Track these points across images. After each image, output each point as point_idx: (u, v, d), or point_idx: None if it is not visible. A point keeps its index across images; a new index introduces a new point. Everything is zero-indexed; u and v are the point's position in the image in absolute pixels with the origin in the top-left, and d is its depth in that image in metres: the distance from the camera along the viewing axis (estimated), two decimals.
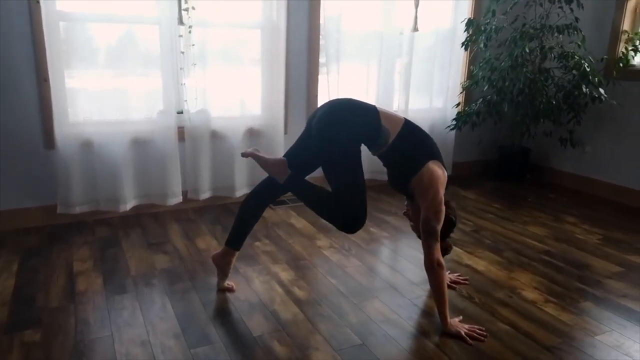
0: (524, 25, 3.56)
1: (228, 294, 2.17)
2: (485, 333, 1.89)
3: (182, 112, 3.14)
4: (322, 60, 3.54)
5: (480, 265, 2.52)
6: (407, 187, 1.97)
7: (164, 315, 2.00)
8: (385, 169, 2.08)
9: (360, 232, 2.92)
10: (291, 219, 3.14)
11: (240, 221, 2.17)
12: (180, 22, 2.91)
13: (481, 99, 3.72)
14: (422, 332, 1.92)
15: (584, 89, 3.36)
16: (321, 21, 3.43)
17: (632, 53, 3.43)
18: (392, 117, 1.99)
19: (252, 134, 3.37)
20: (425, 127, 3.65)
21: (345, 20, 3.48)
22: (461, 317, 2.00)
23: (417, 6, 3.60)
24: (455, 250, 2.68)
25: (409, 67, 3.74)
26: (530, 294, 2.22)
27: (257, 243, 2.73)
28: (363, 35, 3.58)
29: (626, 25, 3.47)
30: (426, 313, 2.06)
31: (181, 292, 2.18)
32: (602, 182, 3.73)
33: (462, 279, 2.34)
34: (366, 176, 3.75)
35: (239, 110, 3.30)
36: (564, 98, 3.53)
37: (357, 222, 1.90)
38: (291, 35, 3.35)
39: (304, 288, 2.25)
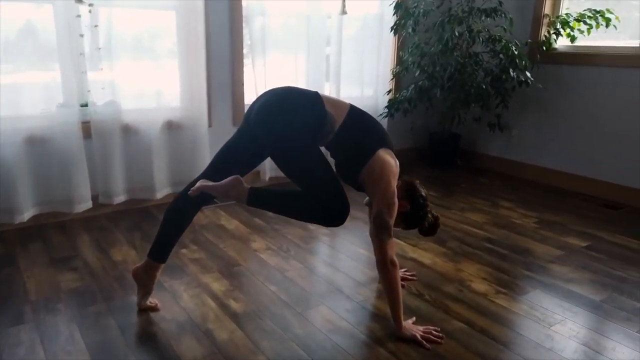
0: (450, 9, 3.49)
1: (152, 315, 1.87)
2: (441, 334, 1.75)
3: (86, 105, 2.74)
4: (246, 44, 3.25)
5: (425, 258, 2.41)
6: (357, 179, 1.78)
7: (71, 347, 1.66)
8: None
9: (297, 231, 2.70)
10: (221, 220, 2.85)
11: (166, 228, 1.87)
12: None
13: (413, 85, 3.63)
14: (374, 339, 1.74)
15: (512, 73, 3.36)
16: (243, 3, 3.14)
17: (554, 37, 3.48)
18: (336, 103, 1.79)
19: (172, 127, 3.03)
20: None
21: (269, 1, 3.21)
22: (414, 318, 1.85)
23: None
24: (398, 244, 2.55)
25: (338, 54, 3.56)
26: (479, 286, 2.13)
27: (184, 250, 2.43)
28: (289, 18, 3.34)
29: (547, 9, 3.52)
30: (377, 316, 1.89)
31: (94, 317, 1.84)
32: (529, 165, 3.80)
33: (409, 275, 2.20)
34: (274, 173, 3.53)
35: (154, 101, 2.94)
36: (492, 82, 3.53)
37: (341, 213, 1.68)
38: (211, 17, 3.04)
39: (240, 299, 1.99)
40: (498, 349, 1.70)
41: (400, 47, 3.86)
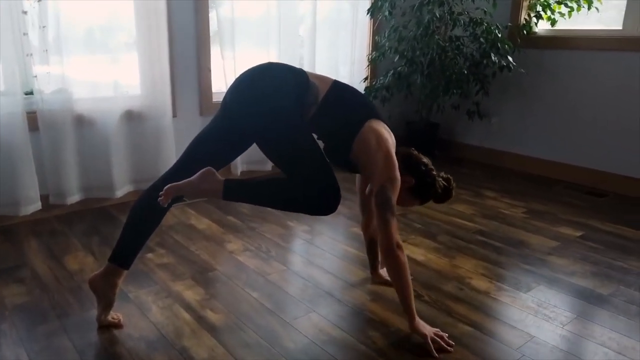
0: None
1: (115, 332, 1.60)
2: (452, 342, 1.57)
3: (32, 93, 2.40)
4: (213, 29, 2.98)
5: (418, 254, 2.22)
6: (348, 156, 1.58)
7: None
8: None
9: (276, 228, 2.47)
10: (191, 219, 2.58)
11: (131, 229, 1.61)
12: None
13: (391, 71, 3.45)
14: (376, 350, 1.54)
15: (493, 58, 3.23)
16: None
17: (534, 20, 3.37)
18: (319, 76, 1.62)
19: (131, 118, 2.73)
20: None
21: None
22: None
23: None
24: None
25: (312, 39, 3.33)
26: (480, 283, 1.97)
27: (150, 255, 2.15)
28: (259, 1, 3.09)
29: None
30: (374, 322, 1.69)
31: (45, 338, 1.56)
32: (509, 153, 3.69)
33: None
34: (256, 165, 3.30)
35: (111, 88, 2.63)
36: (471, 68, 3.39)
37: (333, 197, 1.45)
38: None
39: (218, 310, 1.75)
40: (512, 355, 1.53)
41: (376, 31, 3.67)
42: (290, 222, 2.55)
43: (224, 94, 1.64)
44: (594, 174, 3.25)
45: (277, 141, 1.50)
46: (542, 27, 3.42)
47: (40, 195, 2.45)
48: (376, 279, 1.97)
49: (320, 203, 1.45)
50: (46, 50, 2.35)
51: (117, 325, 1.63)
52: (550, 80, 3.39)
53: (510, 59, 3.26)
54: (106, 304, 1.63)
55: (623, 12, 3.03)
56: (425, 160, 1.69)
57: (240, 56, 3.04)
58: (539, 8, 3.33)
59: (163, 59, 2.70)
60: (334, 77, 1.66)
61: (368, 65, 3.67)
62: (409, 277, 1.54)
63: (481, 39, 3.26)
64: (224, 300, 1.81)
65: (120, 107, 2.65)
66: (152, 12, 2.61)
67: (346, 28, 3.52)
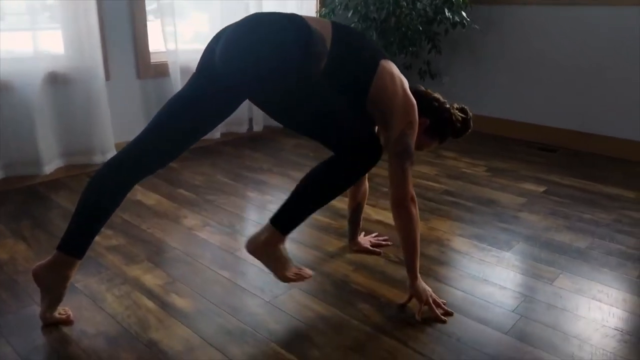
0: None
1: (65, 330, 1.35)
2: (450, 311, 1.47)
3: None
4: None
5: (391, 219, 2.10)
6: (364, 107, 1.41)
7: None
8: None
9: (236, 200, 2.26)
10: (137, 195, 2.30)
11: (86, 213, 1.34)
12: None
13: None
14: (371, 325, 1.41)
15: (447, 13, 3.13)
16: None
17: None
18: (315, 19, 1.37)
19: (56, 81, 2.36)
20: None
21: None
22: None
23: None
24: None
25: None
26: (460, 245, 1.89)
27: (96, 237, 1.87)
28: None
29: None
30: (362, 295, 1.56)
31: None
32: None
33: (382, 240, 1.89)
34: (221, 129, 3.07)
35: (30, 47, 2.24)
36: (426, 25, 3.27)
37: (375, 144, 1.30)
38: None
39: (186, 294, 1.54)
40: (510, 317, 1.46)
41: None
42: (250, 193, 2.35)
43: (201, 54, 1.39)
44: (544, 130, 3.29)
45: (299, 109, 1.28)
46: None
47: None
48: (355, 247, 1.83)
49: (370, 155, 1.30)
50: None
51: (67, 322, 1.38)
52: (501, 37, 3.35)
53: (464, 14, 3.17)
54: (53, 299, 1.37)
55: None
56: (436, 95, 1.54)
57: (180, 6, 2.72)
58: None
59: (90, 10, 2.33)
60: None
61: None
62: (419, 234, 1.43)
63: None
64: (190, 282, 1.60)
65: (41, 68, 2.28)
66: None
67: None
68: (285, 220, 1.35)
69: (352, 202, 1.77)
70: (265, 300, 1.51)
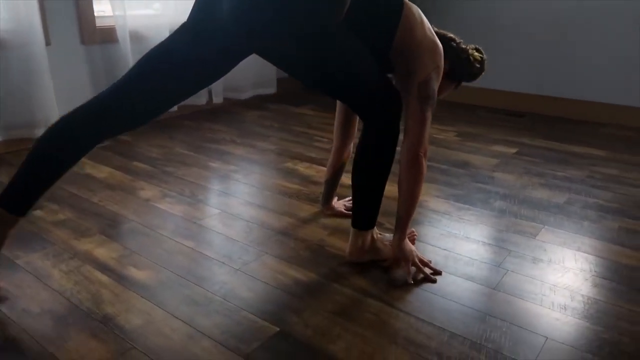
0: None
1: (2, 309, 1.18)
2: (439, 270, 1.38)
3: None
4: None
5: None
6: (387, 53, 1.28)
7: None
8: None
9: (198, 171, 2.10)
10: (86, 168, 2.09)
11: (31, 168, 1.16)
12: None
13: None
14: (353, 287, 1.30)
15: None
16: None
17: None
18: None
19: None
20: None
21: None
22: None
23: None
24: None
25: None
26: (438, 205, 1.80)
27: (39, 212, 1.68)
28: None
29: None
30: (340, 257, 1.44)
31: None
32: None
33: None
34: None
35: None
36: None
37: (396, 95, 1.27)
38: None
39: (145, 266, 1.38)
40: (497, 272, 1.38)
41: None
42: (212, 164, 2.18)
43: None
44: (510, 96, 3.26)
45: (324, 63, 1.18)
46: None
47: None
48: (329, 211, 1.71)
49: (397, 107, 1.27)
50: None
51: (0, 299, 1.20)
52: (460, 2, 3.28)
53: None
54: None
55: None
56: (451, 34, 1.42)
57: None
58: None
59: None
60: None
61: None
62: (420, 193, 1.33)
63: None
64: (150, 254, 1.44)
65: None
66: None
67: None
68: (364, 219, 1.35)
69: (337, 162, 1.64)
70: (235, 268, 1.38)
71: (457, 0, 3.31)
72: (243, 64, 1.41)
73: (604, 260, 1.45)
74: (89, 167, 2.11)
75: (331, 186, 1.68)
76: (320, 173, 2.07)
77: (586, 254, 1.48)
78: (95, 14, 2.49)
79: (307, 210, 1.75)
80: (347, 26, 1.17)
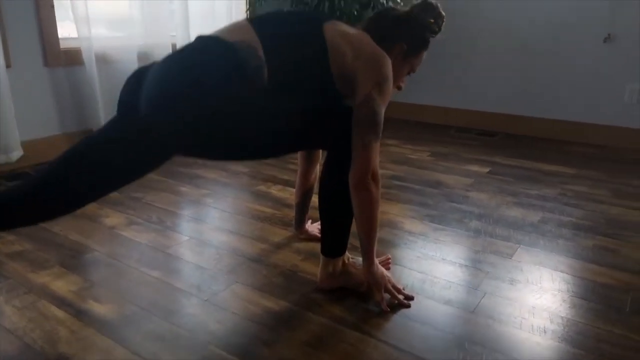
0: None
1: None
2: (411, 295, 1.33)
3: None
4: None
5: None
6: (334, 85, 1.21)
7: None
8: None
9: (167, 196, 2.02)
10: None
11: None
12: None
13: None
14: (328, 316, 1.24)
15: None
16: None
17: None
18: (233, 28, 1.17)
19: None
20: None
21: None
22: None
23: None
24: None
25: None
26: (413, 226, 1.77)
27: None
28: None
29: None
30: (314, 283, 1.39)
31: None
32: (395, 102, 3.60)
33: None
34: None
35: None
36: (361, 9, 3.18)
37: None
38: None
39: (107, 299, 1.30)
40: (474, 294, 1.35)
41: None
42: (183, 188, 2.11)
43: (120, 91, 1.20)
44: (483, 115, 3.30)
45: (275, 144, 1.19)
46: None
47: None
48: (302, 235, 1.67)
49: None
50: None
51: None
52: None
53: None
54: None
55: None
56: (391, 3, 1.36)
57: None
58: None
59: None
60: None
61: (248, 9, 3.26)
62: (377, 217, 1.24)
63: None
64: (112, 286, 1.36)
65: None
66: None
67: None
68: (333, 246, 1.32)
69: (303, 185, 1.60)
70: (203, 299, 1.30)
71: None
72: None
73: (580, 279, 1.43)
74: None
75: (302, 209, 1.64)
76: (294, 195, 2.02)
77: (563, 274, 1.46)
78: (60, 35, 2.42)
79: (280, 234, 1.69)
80: (278, 85, 1.12)
